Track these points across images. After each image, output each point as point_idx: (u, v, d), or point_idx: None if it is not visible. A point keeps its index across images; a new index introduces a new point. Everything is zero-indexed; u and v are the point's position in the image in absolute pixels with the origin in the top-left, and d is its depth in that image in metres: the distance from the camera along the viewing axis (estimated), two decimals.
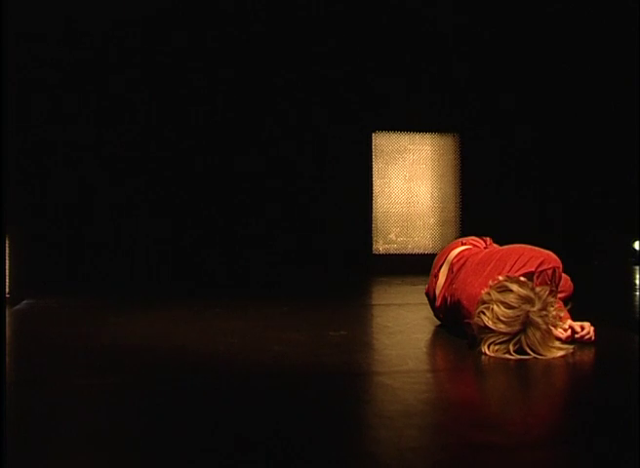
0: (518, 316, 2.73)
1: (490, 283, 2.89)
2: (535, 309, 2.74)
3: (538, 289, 2.82)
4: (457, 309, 3.18)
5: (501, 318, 2.73)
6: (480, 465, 1.69)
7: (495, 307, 2.75)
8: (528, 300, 2.75)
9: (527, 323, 2.73)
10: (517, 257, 3.13)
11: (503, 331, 2.74)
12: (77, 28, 5.81)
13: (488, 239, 3.64)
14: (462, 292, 3.14)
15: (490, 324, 2.75)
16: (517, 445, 1.82)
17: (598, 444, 1.85)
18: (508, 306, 2.74)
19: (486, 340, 2.77)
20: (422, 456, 1.74)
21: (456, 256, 3.43)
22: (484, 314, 2.78)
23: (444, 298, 3.37)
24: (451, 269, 3.39)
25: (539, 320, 2.73)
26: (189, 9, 6.11)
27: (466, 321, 2.94)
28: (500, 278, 2.89)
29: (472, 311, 2.91)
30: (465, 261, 3.33)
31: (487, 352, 2.76)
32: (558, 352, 2.78)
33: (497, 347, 2.76)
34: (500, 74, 6.76)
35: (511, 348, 2.74)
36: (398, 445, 1.80)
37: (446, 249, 3.63)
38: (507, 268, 3.09)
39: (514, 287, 2.78)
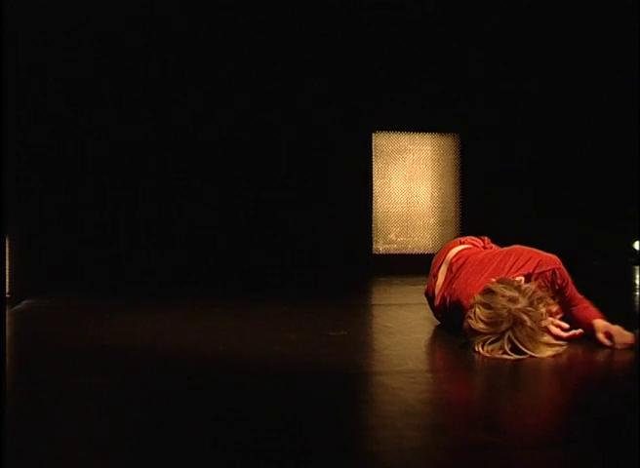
0: (499, 315, 2.77)
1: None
2: (519, 306, 2.76)
3: (524, 286, 2.85)
4: (456, 309, 3.18)
5: (483, 319, 2.79)
6: (480, 465, 1.69)
7: (477, 309, 2.82)
8: (511, 300, 2.78)
9: (513, 321, 2.75)
10: (516, 259, 3.14)
11: (487, 331, 2.78)
12: (77, 28, 5.81)
13: (486, 238, 3.64)
14: (462, 292, 3.14)
15: (473, 325, 2.81)
16: (517, 445, 1.82)
17: (598, 444, 1.85)
18: (488, 307, 2.79)
19: (478, 342, 2.81)
20: (422, 456, 1.74)
21: (455, 256, 3.43)
22: (470, 317, 2.85)
23: (443, 298, 3.38)
24: (450, 269, 3.40)
25: (524, 317, 2.75)
26: (189, 9, 6.12)
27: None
28: (493, 280, 2.93)
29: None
30: (465, 261, 3.33)
31: (481, 352, 2.78)
32: (547, 350, 2.78)
33: (490, 347, 2.78)
34: (500, 74, 6.76)
35: (506, 347, 2.76)
36: (398, 445, 1.79)
37: (444, 248, 3.64)
38: (506, 270, 3.10)
39: (498, 287, 2.83)
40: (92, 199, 5.92)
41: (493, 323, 2.78)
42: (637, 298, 4.92)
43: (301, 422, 2.02)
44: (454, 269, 3.36)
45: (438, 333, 3.41)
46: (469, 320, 2.84)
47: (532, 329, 2.75)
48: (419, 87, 6.62)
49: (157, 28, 6.03)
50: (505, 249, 3.31)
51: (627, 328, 3.02)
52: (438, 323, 3.55)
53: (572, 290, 3.15)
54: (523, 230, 5.86)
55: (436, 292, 3.47)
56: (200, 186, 6.18)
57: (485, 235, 3.70)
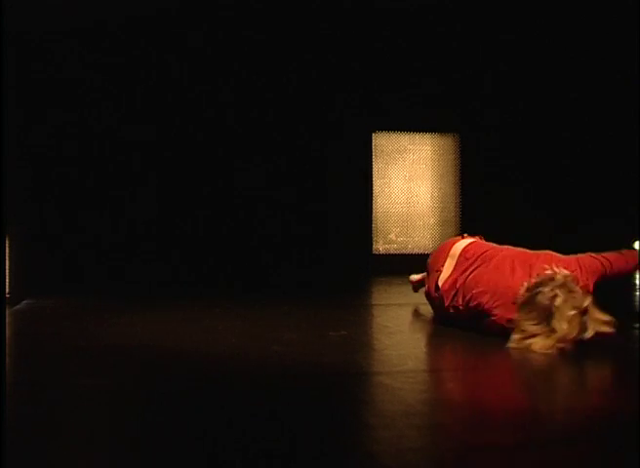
0: (542, 308, 2.83)
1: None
2: (556, 284, 2.85)
3: (549, 274, 2.95)
4: (473, 301, 3.15)
5: (532, 322, 2.85)
6: (480, 465, 1.69)
7: (523, 325, 2.87)
8: (547, 290, 2.87)
9: (554, 298, 2.82)
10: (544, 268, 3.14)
11: (542, 330, 2.83)
12: (79, 26, 5.81)
13: (478, 237, 3.65)
14: (495, 285, 3.12)
15: (526, 328, 2.86)
16: (517, 445, 1.82)
17: (598, 444, 1.85)
18: (529, 311, 2.86)
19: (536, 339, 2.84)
20: (422, 456, 1.74)
21: (468, 245, 3.43)
22: (521, 332, 2.87)
23: (454, 284, 3.32)
24: (463, 255, 3.38)
25: (565, 282, 2.86)
26: (189, 9, 6.12)
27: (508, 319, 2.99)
28: (519, 295, 2.97)
29: (498, 304, 3.03)
30: (484, 252, 3.32)
31: (536, 350, 2.81)
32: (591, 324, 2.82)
33: (545, 342, 2.82)
34: (500, 74, 6.76)
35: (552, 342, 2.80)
36: (398, 445, 1.79)
37: (445, 245, 3.63)
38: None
39: (528, 294, 2.91)
40: (92, 199, 5.92)
41: (543, 318, 2.83)
42: (637, 298, 4.92)
43: (301, 422, 2.02)
44: (468, 256, 3.34)
45: (438, 333, 3.41)
46: (516, 338, 2.86)
47: (574, 294, 2.82)
48: (419, 87, 6.61)
49: (157, 28, 6.04)
50: (535, 253, 3.29)
51: (627, 327, 3.02)
52: (438, 323, 3.55)
53: (609, 269, 3.29)
54: (523, 230, 5.85)
55: (440, 283, 3.42)
56: (199, 186, 6.17)
57: (485, 235, 3.70)
